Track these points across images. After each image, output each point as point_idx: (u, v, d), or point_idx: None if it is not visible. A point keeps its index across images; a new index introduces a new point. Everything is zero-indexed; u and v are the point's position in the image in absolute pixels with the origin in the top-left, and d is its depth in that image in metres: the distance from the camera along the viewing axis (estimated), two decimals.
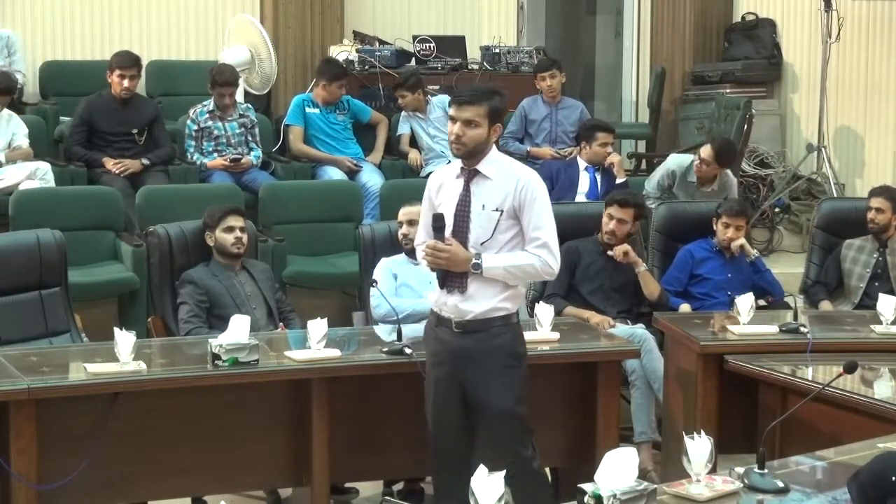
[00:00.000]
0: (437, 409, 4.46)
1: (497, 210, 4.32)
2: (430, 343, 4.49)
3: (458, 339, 4.37)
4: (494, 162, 4.38)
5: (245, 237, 5.64)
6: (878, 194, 6.55)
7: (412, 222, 5.68)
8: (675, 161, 7.61)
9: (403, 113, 8.50)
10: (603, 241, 6.15)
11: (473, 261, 4.30)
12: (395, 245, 5.73)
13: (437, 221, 4.36)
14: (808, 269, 6.83)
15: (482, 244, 4.33)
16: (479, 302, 4.34)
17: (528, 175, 4.38)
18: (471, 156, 4.34)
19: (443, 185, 4.45)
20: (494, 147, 4.43)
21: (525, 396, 4.43)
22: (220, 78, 7.77)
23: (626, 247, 6.06)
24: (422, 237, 4.50)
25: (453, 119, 4.34)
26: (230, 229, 5.59)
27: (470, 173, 4.37)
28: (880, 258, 6.47)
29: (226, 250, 5.59)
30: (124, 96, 7.62)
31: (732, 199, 6.94)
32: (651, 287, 6.11)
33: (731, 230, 6.31)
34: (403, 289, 5.64)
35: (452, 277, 4.36)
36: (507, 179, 4.33)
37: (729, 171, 7.55)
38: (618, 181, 7.40)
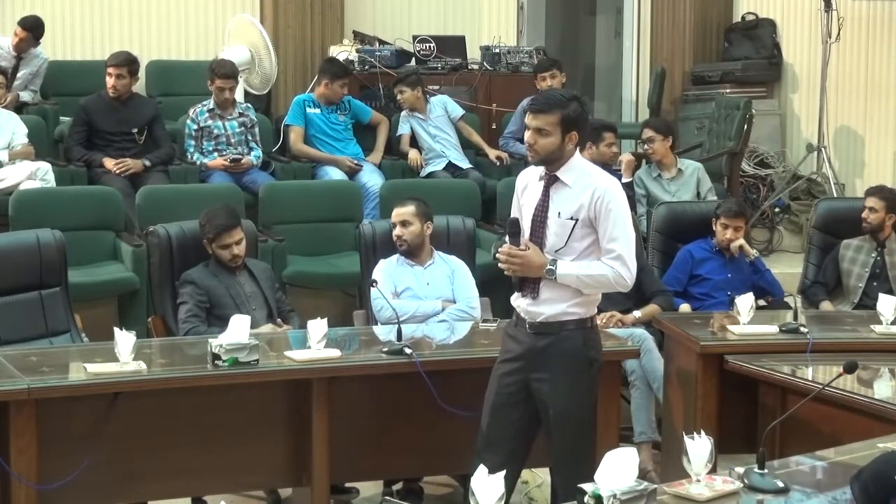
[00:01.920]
0: (496, 406, 4.41)
1: (571, 219, 4.27)
2: (505, 340, 4.47)
3: (532, 339, 4.34)
4: (574, 169, 4.31)
5: (243, 246, 5.60)
6: (871, 194, 6.59)
7: (405, 223, 5.69)
8: (636, 174, 7.76)
9: (403, 113, 8.50)
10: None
11: (548, 266, 4.27)
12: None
13: (513, 227, 4.35)
14: (807, 270, 6.84)
15: (557, 251, 4.29)
16: (550, 305, 4.31)
17: (605, 185, 4.30)
18: (546, 162, 4.30)
19: (528, 185, 4.43)
20: (578, 153, 4.36)
21: (592, 402, 4.41)
22: (221, 70, 7.78)
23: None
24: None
25: (527, 127, 4.31)
26: (226, 247, 5.57)
27: (550, 178, 4.33)
28: (878, 258, 6.48)
29: (223, 263, 5.59)
30: (113, 95, 7.62)
31: (731, 200, 6.97)
32: None
33: (729, 231, 6.32)
34: (406, 292, 5.65)
35: (527, 281, 4.33)
36: (584, 188, 4.28)
37: (696, 163, 7.65)
38: (624, 181, 7.41)
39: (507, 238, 4.38)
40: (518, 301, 4.39)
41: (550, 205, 4.32)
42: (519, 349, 4.38)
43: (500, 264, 4.36)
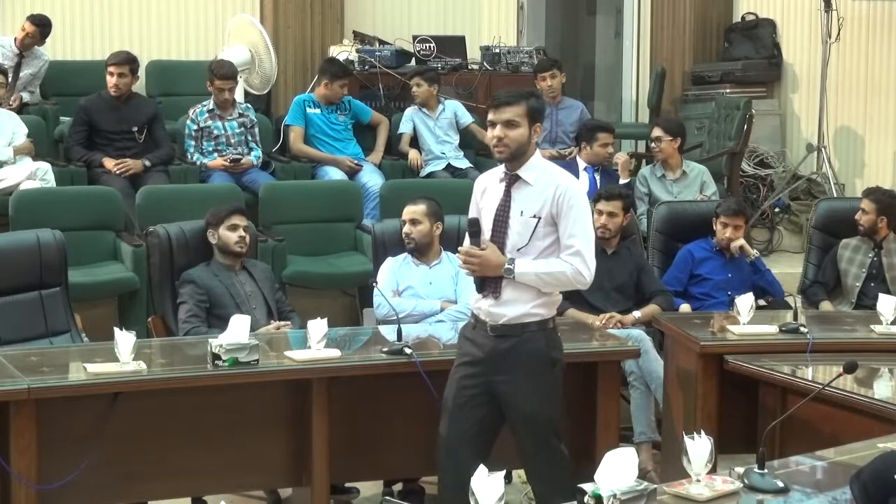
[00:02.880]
0: (456, 407, 4.42)
1: (534, 217, 4.29)
2: (464, 343, 4.46)
3: (493, 342, 4.35)
4: (536, 168, 4.34)
5: (248, 237, 5.65)
6: (865, 195, 6.63)
7: (414, 221, 5.71)
8: (640, 172, 7.75)
9: (410, 109, 8.46)
10: (599, 237, 6.16)
11: (506, 266, 4.28)
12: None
13: (472, 226, 4.35)
14: (806, 270, 6.84)
15: (519, 250, 4.30)
16: (512, 307, 4.32)
17: (568, 182, 4.33)
18: (514, 158, 4.30)
19: (487, 189, 4.44)
20: (538, 152, 4.40)
21: (557, 401, 4.40)
22: (220, 71, 7.78)
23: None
24: (466, 242, 4.46)
25: (493, 123, 4.30)
26: (234, 227, 5.59)
27: (511, 178, 4.34)
28: (875, 258, 6.49)
29: (228, 248, 5.59)
30: (114, 94, 7.63)
31: (730, 199, 6.97)
32: None
33: (729, 230, 6.33)
34: (407, 291, 5.66)
35: (488, 282, 4.33)
36: (547, 186, 4.30)
37: (701, 166, 7.64)
38: (621, 181, 7.41)
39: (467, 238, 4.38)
40: (479, 303, 4.38)
41: (512, 204, 4.33)
42: (479, 353, 4.38)
43: (459, 265, 4.39)
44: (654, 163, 7.71)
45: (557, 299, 4.45)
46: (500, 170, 4.42)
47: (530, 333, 4.33)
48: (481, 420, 4.39)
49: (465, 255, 4.31)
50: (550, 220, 4.29)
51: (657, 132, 7.58)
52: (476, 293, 4.40)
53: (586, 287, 4.48)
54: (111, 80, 7.61)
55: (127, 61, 7.68)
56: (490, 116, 4.34)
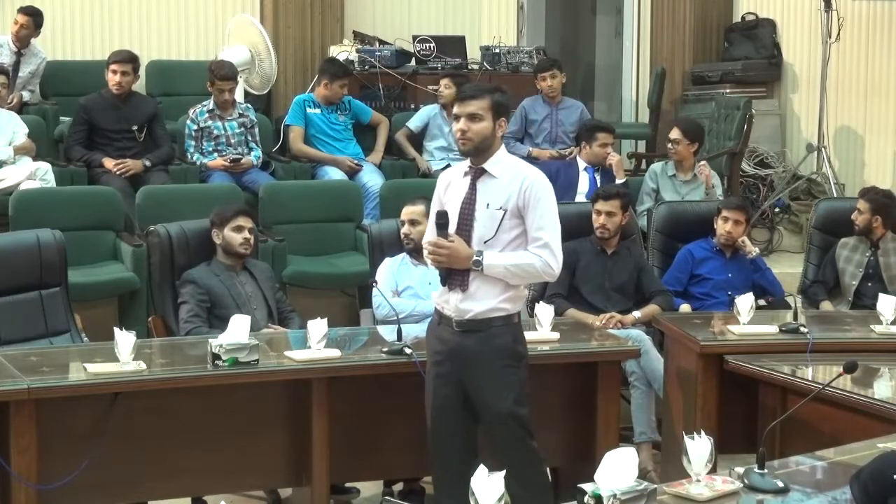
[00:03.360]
0: (436, 408, 4.45)
1: (501, 209, 4.30)
2: (431, 341, 4.48)
3: (459, 337, 4.36)
4: (501, 161, 4.37)
5: (252, 239, 5.65)
6: (861, 195, 6.63)
7: (413, 222, 5.71)
8: (651, 168, 7.69)
9: (430, 107, 8.43)
10: (598, 237, 6.16)
11: (474, 258, 4.28)
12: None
13: (440, 218, 4.35)
14: (806, 269, 6.84)
15: (485, 242, 4.31)
16: (479, 301, 4.32)
17: (533, 175, 4.36)
18: (478, 152, 4.32)
19: (451, 183, 4.45)
20: (503, 147, 4.42)
21: (526, 397, 4.41)
22: (220, 72, 7.78)
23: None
24: (429, 236, 4.48)
25: (457, 116, 4.33)
26: (239, 228, 5.59)
27: (476, 172, 4.36)
28: (872, 258, 6.49)
29: (232, 249, 5.59)
30: (117, 92, 7.62)
31: (732, 196, 6.97)
32: None
33: (730, 224, 6.31)
34: (406, 291, 5.66)
35: (455, 275, 4.34)
36: (513, 179, 4.32)
37: (712, 172, 7.61)
38: (617, 181, 7.41)
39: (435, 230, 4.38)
40: (445, 296, 4.38)
41: (478, 197, 4.34)
42: (446, 349, 4.39)
43: (426, 256, 4.39)
44: (665, 161, 7.66)
45: (524, 294, 4.47)
46: (463, 165, 4.43)
47: (496, 328, 4.34)
48: (461, 419, 4.41)
49: (434, 245, 4.31)
50: (517, 212, 4.30)
51: (676, 134, 7.50)
52: (440, 287, 4.39)
53: (554, 279, 4.51)
54: (114, 78, 7.61)
55: (129, 59, 7.69)
56: (455, 110, 4.37)
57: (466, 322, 4.34)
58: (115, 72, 7.63)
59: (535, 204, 4.29)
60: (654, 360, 5.75)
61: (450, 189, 4.44)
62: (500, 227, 4.31)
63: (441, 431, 4.44)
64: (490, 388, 4.34)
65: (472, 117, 4.29)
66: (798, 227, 9.16)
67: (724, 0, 10.57)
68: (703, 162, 7.65)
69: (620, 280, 6.13)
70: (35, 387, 4.30)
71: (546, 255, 4.31)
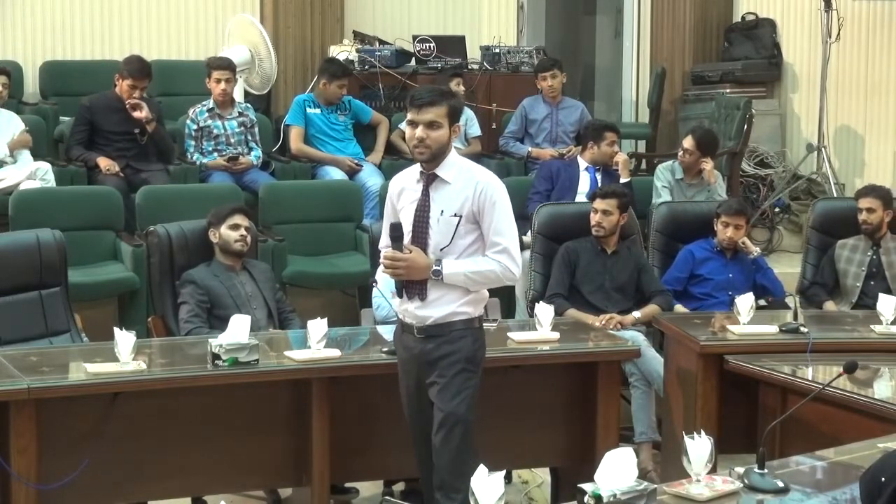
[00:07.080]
0: (412, 416, 4.46)
1: (455, 215, 4.26)
2: (398, 350, 4.48)
3: (421, 343, 4.34)
4: (454, 165, 4.31)
5: (249, 237, 5.65)
6: (865, 194, 6.54)
7: None
8: (660, 167, 7.67)
9: None
10: (594, 236, 6.17)
11: (434, 267, 4.25)
12: None
13: (395, 231, 4.30)
14: (805, 270, 6.82)
15: (441, 250, 4.28)
16: (438, 307, 4.30)
17: (486, 179, 4.30)
18: (434, 158, 4.27)
19: (403, 190, 4.40)
20: (454, 150, 4.37)
21: (474, 405, 4.36)
22: (215, 62, 7.83)
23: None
24: (384, 243, 4.44)
25: (413, 123, 4.25)
26: (235, 226, 5.59)
27: (429, 178, 4.31)
28: (874, 256, 6.47)
29: (229, 247, 5.59)
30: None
31: (731, 199, 6.95)
32: None
33: (730, 229, 6.32)
34: None
35: (412, 285, 4.31)
36: (466, 184, 4.27)
37: (714, 171, 7.57)
38: (622, 180, 7.40)
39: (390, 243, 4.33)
40: (405, 305, 4.36)
41: (432, 204, 4.30)
42: (408, 355, 4.38)
43: (384, 270, 4.35)
44: (673, 160, 7.61)
45: (484, 296, 4.43)
46: (415, 170, 4.38)
47: (458, 332, 4.31)
48: (429, 402, 4.37)
49: (391, 259, 4.27)
50: (472, 217, 4.27)
51: (689, 144, 7.36)
52: (397, 296, 4.36)
53: (515, 283, 4.48)
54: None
55: (149, 75, 7.63)
56: (410, 116, 4.28)
57: (427, 328, 4.32)
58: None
59: (491, 208, 4.25)
60: (651, 359, 5.75)
61: (403, 195, 4.39)
62: (455, 234, 4.27)
63: (421, 440, 4.42)
64: (446, 391, 4.30)
65: (431, 125, 4.23)
66: (798, 227, 9.15)
67: (724, 0, 10.58)
68: (705, 159, 7.63)
69: (621, 280, 6.13)
70: (35, 387, 4.30)
71: (505, 259, 4.27)
